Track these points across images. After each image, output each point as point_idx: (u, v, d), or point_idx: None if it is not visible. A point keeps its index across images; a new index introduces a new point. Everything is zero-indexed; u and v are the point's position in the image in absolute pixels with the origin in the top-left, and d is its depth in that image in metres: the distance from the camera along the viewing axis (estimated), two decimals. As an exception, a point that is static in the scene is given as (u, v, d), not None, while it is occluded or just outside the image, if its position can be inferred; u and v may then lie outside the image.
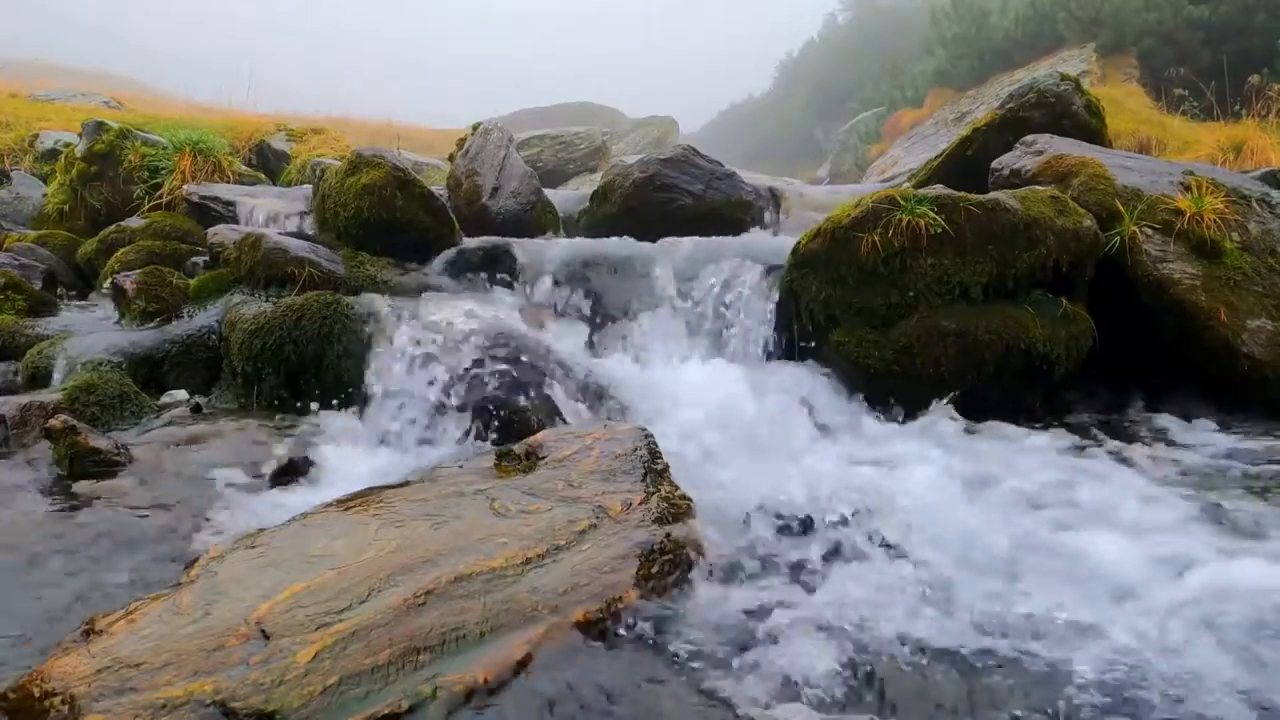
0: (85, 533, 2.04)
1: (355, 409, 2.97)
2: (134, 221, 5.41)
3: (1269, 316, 3.25)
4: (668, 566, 1.65)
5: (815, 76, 28.32)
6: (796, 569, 1.78)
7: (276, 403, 3.12)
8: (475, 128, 5.18)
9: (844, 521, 1.90)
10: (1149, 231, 3.40)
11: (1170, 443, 2.90)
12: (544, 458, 2.14)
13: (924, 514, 2.00)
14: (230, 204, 5.40)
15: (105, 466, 2.43)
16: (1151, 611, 1.58)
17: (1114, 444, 2.88)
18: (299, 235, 4.21)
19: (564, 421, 2.78)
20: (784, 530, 1.92)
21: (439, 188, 4.85)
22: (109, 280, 4.11)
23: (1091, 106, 4.57)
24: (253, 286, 3.60)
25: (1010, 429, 3.00)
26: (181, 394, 3.18)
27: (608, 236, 4.25)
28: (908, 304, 3.16)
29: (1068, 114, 4.44)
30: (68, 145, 6.94)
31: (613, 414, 2.89)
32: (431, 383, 2.90)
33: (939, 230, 3.10)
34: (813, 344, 3.35)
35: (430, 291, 3.61)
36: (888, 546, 1.84)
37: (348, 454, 2.68)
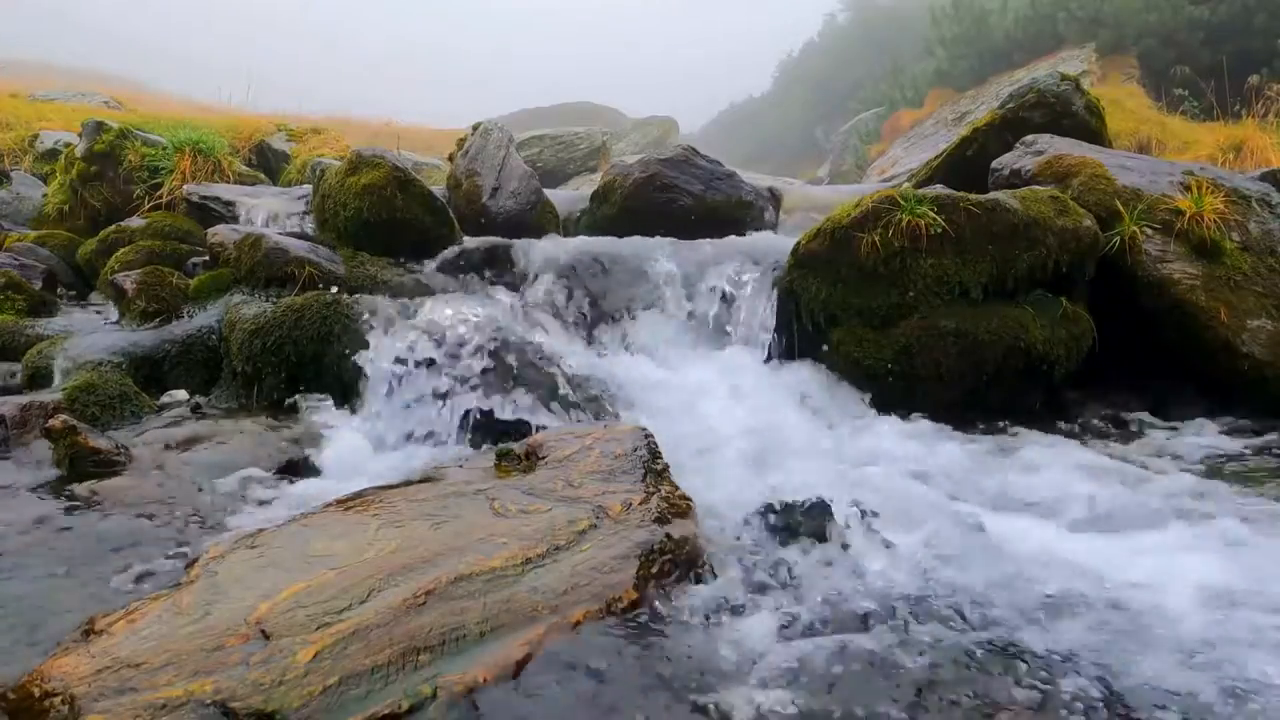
0: (85, 533, 2.04)
1: (355, 409, 2.97)
2: (134, 221, 5.41)
3: (1269, 316, 3.25)
4: (668, 566, 1.65)
5: (815, 76, 28.35)
6: (796, 569, 1.78)
7: (276, 402, 3.12)
8: (475, 128, 5.18)
9: (843, 522, 1.90)
10: (1149, 231, 3.40)
11: (1169, 442, 2.90)
12: (544, 458, 2.14)
13: (923, 515, 2.00)
14: (230, 204, 5.41)
15: (105, 466, 2.42)
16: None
17: (1114, 444, 2.88)
18: (299, 235, 4.20)
19: (564, 421, 2.77)
20: (784, 530, 1.92)
21: (439, 188, 4.85)
22: (109, 280, 4.11)
23: (1091, 106, 4.57)
24: (253, 286, 3.60)
25: (1010, 429, 3.01)
26: (181, 394, 3.18)
27: (608, 236, 4.25)
28: (908, 304, 3.16)
29: (1068, 114, 4.44)
30: (68, 145, 6.94)
31: (613, 414, 2.89)
32: (431, 383, 2.90)
33: (939, 230, 3.10)
34: (813, 344, 3.35)
35: (430, 291, 3.61)
36: (887, 547, 1.84)
37: (347, 454, 2.68)
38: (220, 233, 4.00)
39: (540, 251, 3.95)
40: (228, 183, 6.29)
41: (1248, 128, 7.67)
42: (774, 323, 3.47)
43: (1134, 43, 12.98)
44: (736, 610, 1.59)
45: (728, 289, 3.60)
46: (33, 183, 6.97)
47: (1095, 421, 3.17)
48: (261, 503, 2.29)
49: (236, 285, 3.68)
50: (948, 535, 1.90)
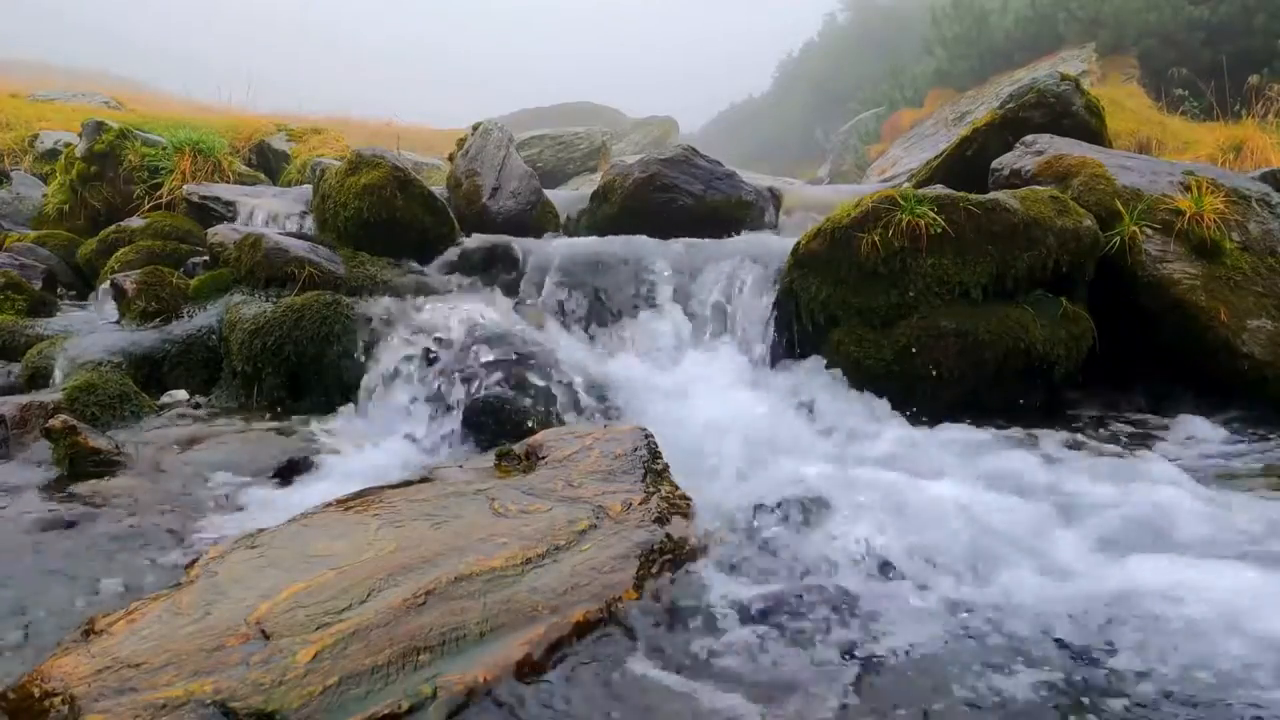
0: (85, 533, 2.04)
1: (355, 409, 2.97)
2: (134, 221, 5.41)
3: (1269, 316, 3.25)
4: (668, 566, 1.65)
5: (815, 76, 28.34)
6: (796, 569, 1.78)
7: (276, 403, 3.12)
8: (475, 128, 5.18)
9: (843, 522, 1.90)
10: (1149, 231, 3.40)
11: (1169, 442, 2.90)
12: (544, 458, 2.14)
13: (922, 515, 2.00)
14: (230, 204, 5.41)
15: (105, 466, 2.43)
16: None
17: (1113, 444, 2.88)
18: (299, 235, 4.21)
19: (564, 421, 2.78)
20: (784, 530, 1.92)
21: (439, 188, 4.85)
22: (109, 280, 4.11)
23: (1091, 106, 4.57)
24: (253, 286, 3.60)
25: (1010, 429, 3.00)
26: (181, 394, 3.18)
27: (608, 236, 4.25)
28: (908, 304, 3.16)
29: (1068, 114, 4.44)
30: (68, 145, 6.94)
31: (613, 414, 2.89)
32: (431, 383, 2.90)
33: (939, 230, 3.10)
34: (813, 344, 3.35)
35: (430, 291, 3.61)
36: (886, 547, 1.84)
37: (347, 454, 2.68)
38: (220, 233, 4.00)
39: (540, 251, 3.95)
40: (228, 183, 6.29)
41: (1248, 128, 7.67)
42: (774, 323, 3.47)
43: (1134, 43, 12.97)
44: (736, 611, 1.59)
45: (728, 289, 3.60)
46: (33, 183, 6.98)
47: (1095, 421, 3.17)
48: (261, 503, 2.29)
49: (236, 285, 3.69)
50: (946, 536, 1.90)
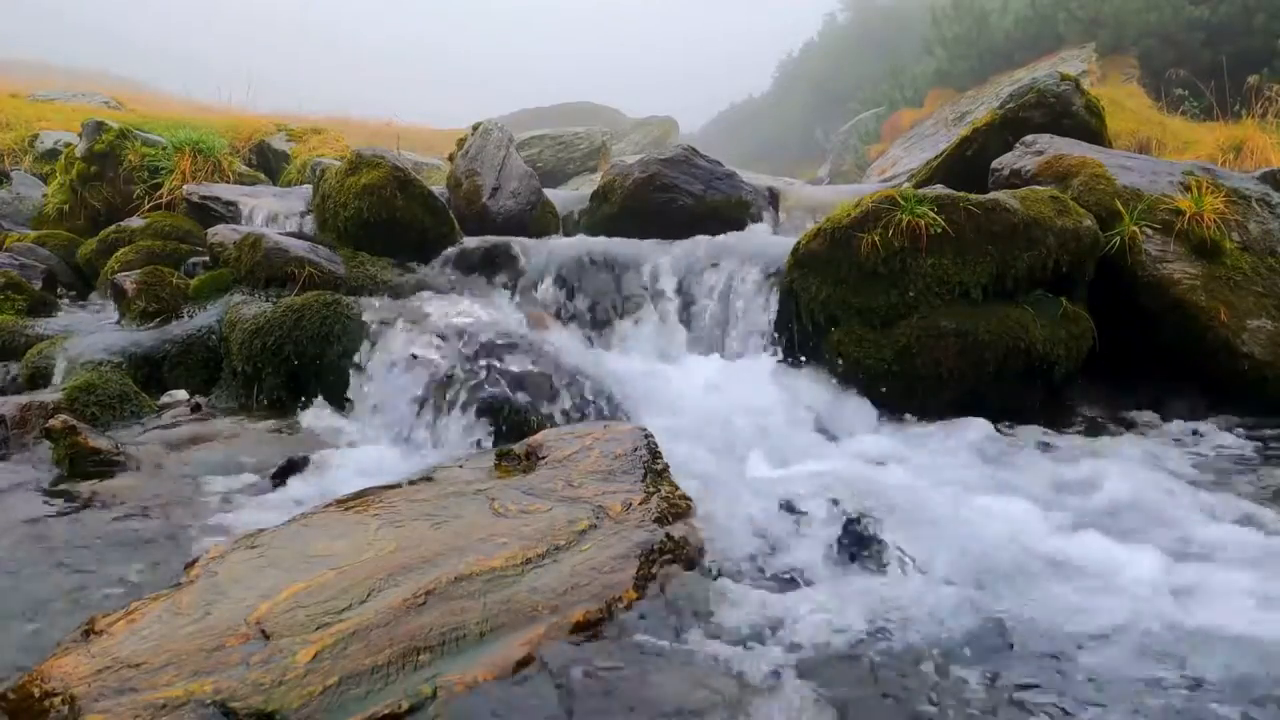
0: (85, 533, 2.04)
1: (355, 409, 2.97)
2: (134, 221, 5.41)
3: (1269, 316, 3.25)
4: (668, 566, 1.65)
5: (815, 76, 28.35)
6: (796, 569, 1.78)
7: (276, 403, 3.12)
8: (475, 128, 5.18)
9: (843, 522, 1.90)
10: (1149, 231, 3.40)
11: (1169, 442, 2.90)
12: (544, 458, 2.13)
13: (922, 515, 2.00)
14: (230, 204, 5.40)
15: (105, 466, 2.42)
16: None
17: (1113, 444, 2.88)
18: (299, 235, 4.21)
19: (564, 421, 2.77)
20: (784, 530, 1.92)
21: (439, 188, 4.85)
22: (109, 280, 4.11)
23: (1091, 106, 4.57)
24: (253, 286, 3.60)
25: (1010, 429, 3.00)
26: (181, 394, 3.18)
27: (608, 236, 4.25)
28: (908, 304, 3.16)
29: (1068, 114, 4.44)
30: (68, 145, 6.94)
31: (612, 414, 2.89)
32: (431, 383, 2.90)
33: (939, 230, 3.10)
34: (813, 344, 3.35)
35: (430, 291, 3.61)
36: (886, 547, 1.84)
37: (347, 454, 2.67)
38: (220, 233, 4.00)
39: (540, 251, 3.95)
40: (228, 183, 6.29)
41: (1248, 128, 7.66)
42: (774, 323, 3.47)
43: (1134, 43, 12.98)
44: (736, 611, 1.59)
45: (727, 289, 3.60)
46: (33, 183, 6.97)
47: (1095, 421, 3.17)
48: (261, 502, 2.29)
49: (236, 285, 3.69)
50: (944, 536, 1.90)
